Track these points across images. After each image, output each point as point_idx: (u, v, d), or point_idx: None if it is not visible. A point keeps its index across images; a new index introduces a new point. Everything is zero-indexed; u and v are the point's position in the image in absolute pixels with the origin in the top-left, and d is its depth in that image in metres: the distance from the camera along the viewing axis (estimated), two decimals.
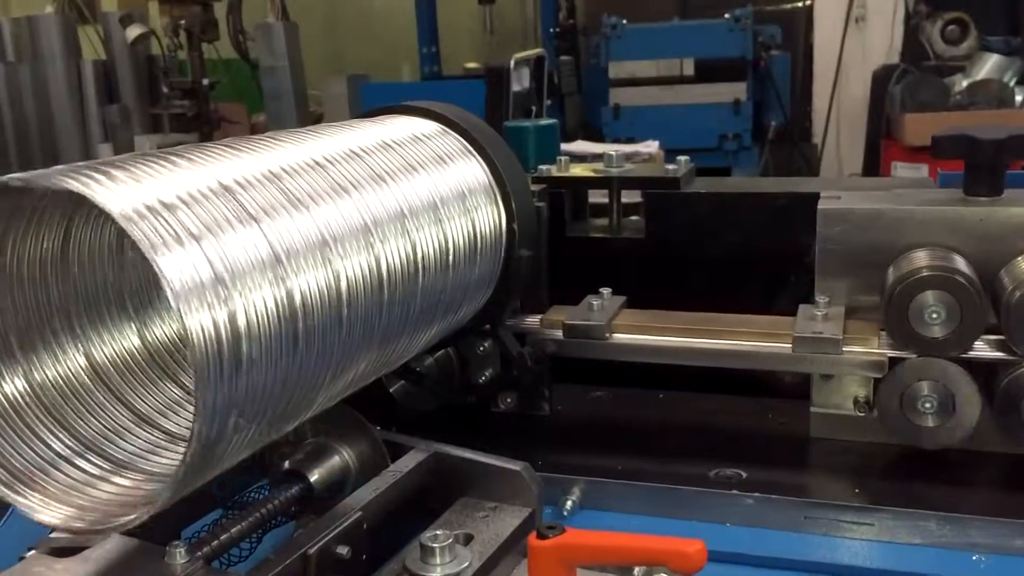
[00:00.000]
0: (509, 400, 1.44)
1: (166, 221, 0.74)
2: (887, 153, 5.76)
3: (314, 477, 1.07)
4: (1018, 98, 5.44)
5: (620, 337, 1.35)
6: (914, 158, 5.27)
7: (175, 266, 0.73)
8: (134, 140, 6.44)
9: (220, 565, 0.94)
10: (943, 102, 5.39)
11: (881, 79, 6.03)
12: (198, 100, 6.29)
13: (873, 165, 6.15)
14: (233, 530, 0.95)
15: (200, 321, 0.73)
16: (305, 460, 1.08)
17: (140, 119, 6.71)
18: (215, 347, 0.74)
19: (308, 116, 6.68)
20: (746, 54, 6.46)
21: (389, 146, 1.12)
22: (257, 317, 0.79)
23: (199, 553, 0.86)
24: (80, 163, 0.79)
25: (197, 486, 0.82)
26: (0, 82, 6.43)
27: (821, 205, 1.33)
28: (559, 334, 1.37)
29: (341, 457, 1.11)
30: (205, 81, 6.30)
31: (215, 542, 0.92)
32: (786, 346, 1.26)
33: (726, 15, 6.48)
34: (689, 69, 6.44)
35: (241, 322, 0.77)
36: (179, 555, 0.82)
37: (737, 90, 6.41)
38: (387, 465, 1.09)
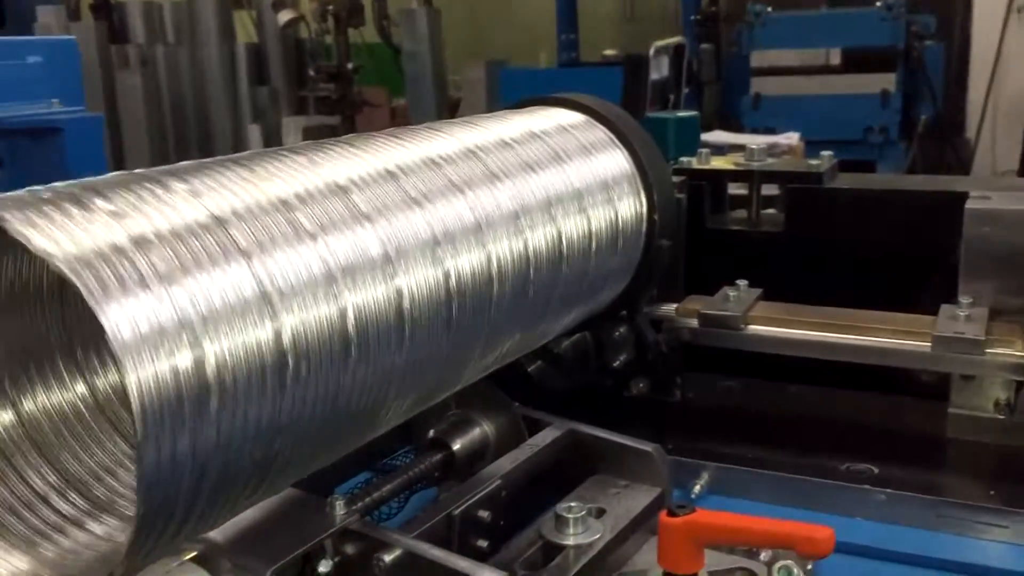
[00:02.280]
0: (641, 385, 1.48)
1: (113, 269, 0.64)
2: None
3: (456, 446, 1.14)
4: None
5: (755, 329, 1.37)
6: None
7: (118, 319, 0.62)
8: (281, 122, 6.74)
9: (371, 520, 1.02)
10: None
11: None
12: (342, 83, 6.50)
13: None
14: (384, 489, 1.03)
15: (142, 376, 0.62)
16: (449, 430, 1.16)
17: (287, 101, 7.01)
18: (172, 399, 0.64)
19: (447, 101, 6.83)
20: (897, 43, 6.20)
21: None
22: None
23: (355, 507, 0.94)
24: (55, 186, 0.70)
25: (161, 546, 0.71)
26: (160, 64, 6.82)
27: (969, 205, 1.31)
28: (694, 323, 1.40)
29: (482, 429, 1.17)
30: (350, 65, 6.51)
31: (368, 499, 1.00)
32: (925, 345, 1.26)
33: (877, 3, 6.24)
34: (835, 58, 6.25)
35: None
36: (339, 507, 0.90)
37: (886, 81, 6.16)
38: (524, 439, 1.14)
